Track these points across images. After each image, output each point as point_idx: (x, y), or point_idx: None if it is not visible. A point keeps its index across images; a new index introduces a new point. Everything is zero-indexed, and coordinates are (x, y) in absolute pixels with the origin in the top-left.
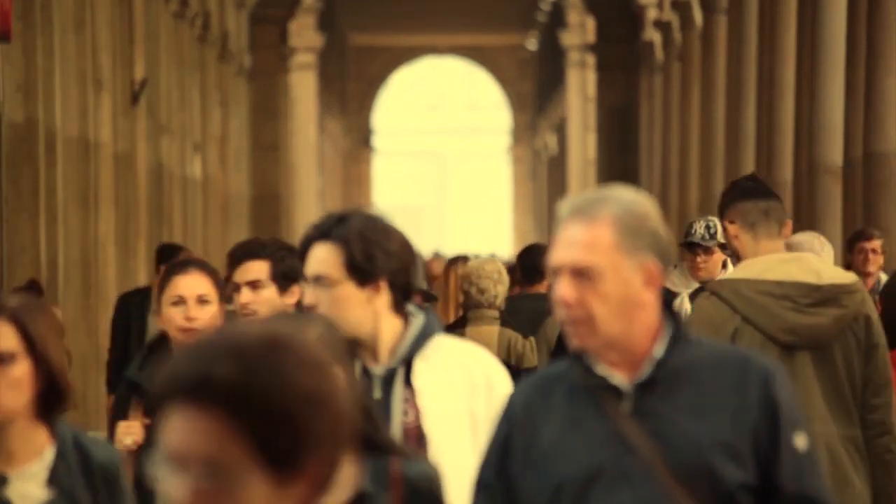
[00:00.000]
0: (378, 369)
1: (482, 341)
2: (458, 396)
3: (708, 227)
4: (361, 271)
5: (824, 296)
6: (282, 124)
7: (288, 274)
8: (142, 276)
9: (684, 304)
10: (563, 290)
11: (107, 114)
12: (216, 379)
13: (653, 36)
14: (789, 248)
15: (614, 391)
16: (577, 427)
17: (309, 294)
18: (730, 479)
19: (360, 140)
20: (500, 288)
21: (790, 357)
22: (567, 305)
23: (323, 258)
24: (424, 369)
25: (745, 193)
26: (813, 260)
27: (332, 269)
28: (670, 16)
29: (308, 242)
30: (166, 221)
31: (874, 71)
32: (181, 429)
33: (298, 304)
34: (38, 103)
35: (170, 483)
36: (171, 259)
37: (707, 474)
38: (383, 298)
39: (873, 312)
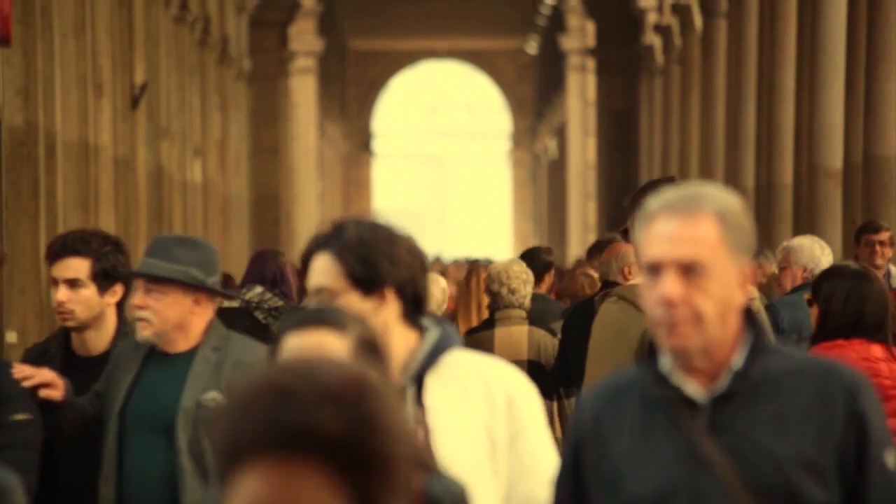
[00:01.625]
0: None
1: (512, 341)
2: (475, 416)
3: None
4: (364, 280)
5: None
6: (282, 128)
7: (109, 273)
8: None
9: None
10: (669, 287)
11: (107, 118)
12: (321, 430)
13: (653, 40)
14: (789, 251)
15: (689, 403)
16: (650, 442)
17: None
18: (813, 499)
19: (359, 144)
20: (528, 288)
21: None
22: (671, 304)
23: (323, 269)
24: (438, 387)
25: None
26: None
27: (333, 280)
28: (670, 20)
29: (308, 254)
30: (166, 225)
31: (874, 74)
32: (278, 486)
33: (120, 305)
34: (37, 107)
35: None
36: None
37: (788, 495)
38: (392, 309)
39: (765, 320)
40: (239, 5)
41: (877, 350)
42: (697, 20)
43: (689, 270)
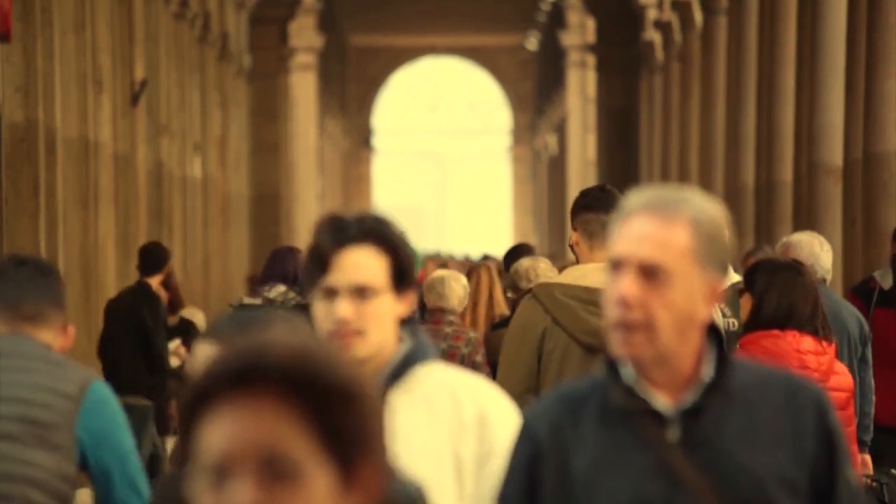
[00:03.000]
0: None
1: None
2: (439, 434)
3: None
4: (403, 280)
5: None
6: (282, 125)
7: None
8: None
9: None
10: (625, 286)
11: (107, 114)
12: (270, 360)
13: (653, 36)
14: (788, 247)
15: (656, 417)
16: (617, 457)
17: (344, 308)
18: None
19: (360, 140)
20: None
21: (592, 358)
22: (625, 305)
23: (363, 265)
24: (402, 403)
25: (589, 205)
26: None
27: (377, 277)
28: (670, 16)
29: (338, 245)
30: (166, 222)
31: (874, 72)
32: (232, 424)
33: None
34: (37, 104)
35: (219, 497)
36: (157, 260)
37: None
38: (402, 315)
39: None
40: (239, 2)
41: (808, 342)
42: (698, 17)
43: (650, 274)
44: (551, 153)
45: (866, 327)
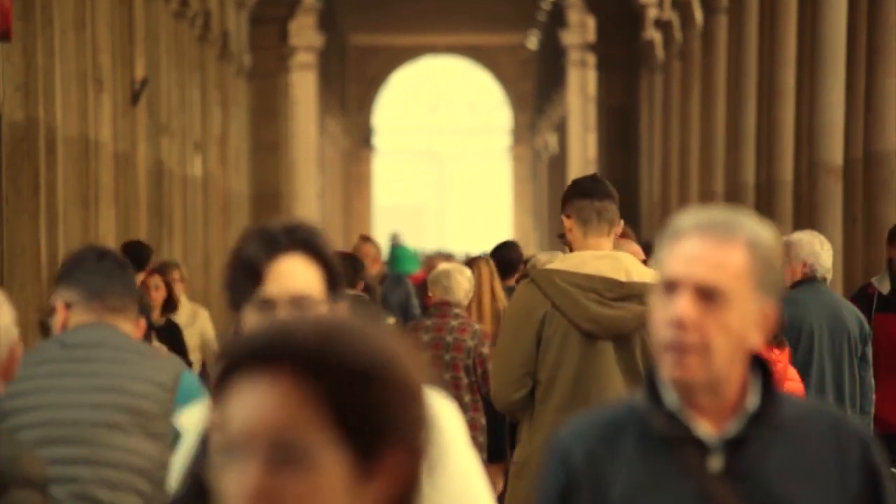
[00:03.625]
0: None
1: None
2: None
3: None
4: (336, 292)
5: (627, 292)
6: (282, 124)
7: None
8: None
9: None
10: (683, 307)
11: (107, 113)
12: (292, 339)
13: (653, 35)
14: (788, 246)
15: (699, 445)
16: (656, 486)
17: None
18: None
19: (360, 139)
20: None
21: (592, 344)
22: (682, 327)
23: (300, 273)
24: None
25: (584, 192)
26: (626, 259)
27: (314, 288)
28: (671, 15)
29: (270, 255)
30: (166, 221)
31: (874, 70)
32: (249, 401)
33: None
34: (38, 103)
35: (232, 475)
36: (139, 258)
37: None
38: None
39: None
40: (239, 1)
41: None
42: (698, 16)
43: (707, 296)
44: (551, 152)
45: (867, 326)
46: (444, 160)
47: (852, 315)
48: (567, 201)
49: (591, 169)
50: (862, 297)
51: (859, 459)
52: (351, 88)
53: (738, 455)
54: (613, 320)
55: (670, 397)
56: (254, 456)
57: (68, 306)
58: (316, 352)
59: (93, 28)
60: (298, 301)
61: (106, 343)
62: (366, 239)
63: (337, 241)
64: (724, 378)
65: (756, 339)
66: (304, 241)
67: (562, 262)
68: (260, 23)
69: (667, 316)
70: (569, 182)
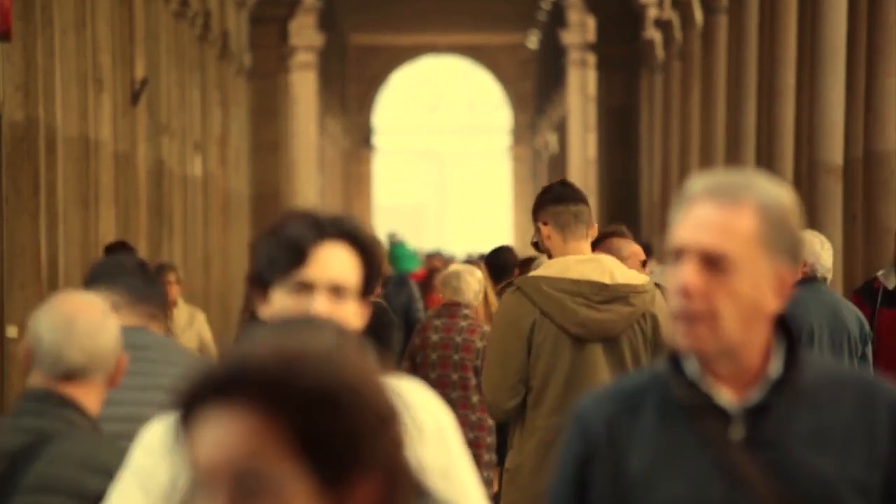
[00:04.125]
0: None
1: None
2: None
3: None
4: (368, 290)
5: (613, 294)
6: (282, 124)
7: None
8: None
9: None
10: (688, 276)
11: (107, 113)
12: (251, 370)
13: (653, 35)
14: None
15: (720, 413)
16: (676, 455)
17: (322, 304)
18: None
19: (360, 139)
20: None
21: (581, 347)
22: (688, 295)
23: (344, 262)
24: None
25: (558, 198)
26: (608, 262)
27: (352, 280)
28: (671, 15)
29: (318, 238)
30: (166, 221)
31: (874, 70)
32: (211, 436)
33: None
34: (38, 103)
35: None
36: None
37: None
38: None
39: (661, 311)
40: (239, 1)
41: None
42: (698, 15)
43: (713, 263)
44: (551, 152)
45: (866, 326)
46: (444, 160)
47: (852, 315)
48: (541, 209)
49: (591, 168)
50: (867, 291)
51: (889, 423)
52: (351, 88)
53: (760, 423)
54: (601, 323)
55: (691, 365)
56: (219, 490)
57: (115, 308)
58: (275, 381)
59: (93, 28)
60: (336, 289)
61: (153, 346)
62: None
63: None
64: (740, 345)
65: (773, 304)
66: (350, 231)
67: (546, 268)
68: (260, 22)
69: (674, 284)
70: (569, 180)
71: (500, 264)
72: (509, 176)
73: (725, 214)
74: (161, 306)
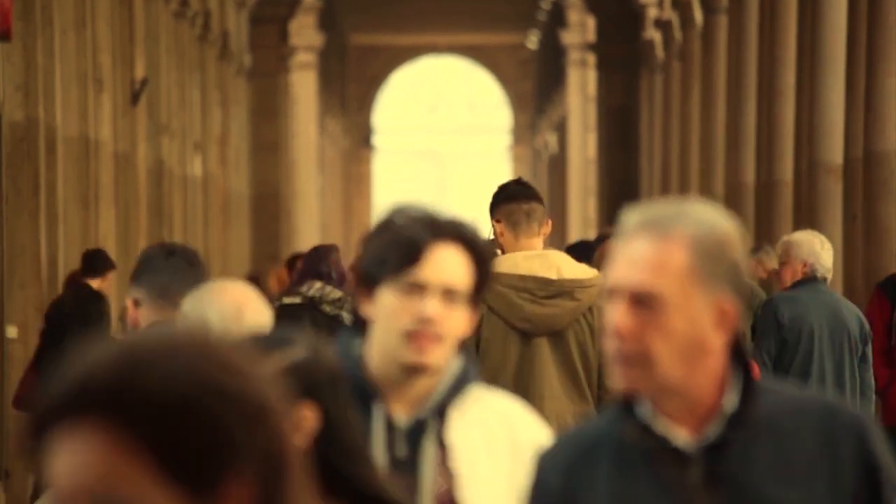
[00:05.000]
0: (403, 420)
1: None
2: (501, 461)
3: None
4: (478, 296)
5: (558, 289)
6: (282, 124)
7: None
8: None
9: None
10: (618, 317)
11: (107, 113)
12: (92, 385)
13: (653, 35)
14: (789, 246)
15: (677, 455)
16: (634, 503)
17: (434, 306)
18: None
19: (360, 139)
20: None
21: (528, 342)
22: (619, 337)
23: (459, 265)
24: (461, 425)
25: (511, 196)
26: (556, 257)
27: (465, 283)
28: (671, 15)
29: (434, 238)
30: (166, 221)
31: (874, 70)
32: (64, 460)
33: None
34: (38, 103)
35: None
36: (101, 266)
37: None
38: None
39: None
40: (239, 1)
41: None
42: (698, 16)
43: (643, 303)
44: (551, 152)
45: (867, 326)
46: (444, 160)
47: (852, 315)
48: (495, 207)
49: (591, 169)
50: (891, 284)
51: (854, 452)
52: (351, 88)
53: (719, 460)
54: (546, 317)
55: (644, 406)
56: None
57: (137, 304)
58: (120, 393)
59: (93, 28)
60: (448, 292)
61: None
62: None
63: (337, 241)
64: (682, 383)
65: (717, 338)
66: (466, 234)
67: (496, 265)
68: (260, 22)
69: (606, 326)
70: (569, 180)
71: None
72: (509, 176)
73: (656, 250)
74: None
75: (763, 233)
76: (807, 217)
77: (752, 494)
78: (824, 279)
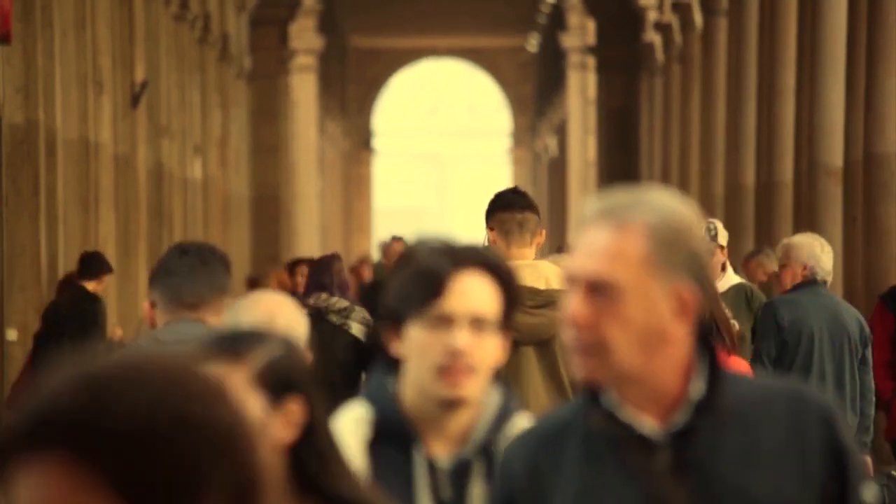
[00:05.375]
0: (445, 460)
1: None
2: None
3: (708, 230)
4: (509, 321)
5: (546, 299)
6: (282, 126)
7: None
8: (142, 277)
9: None
10: (574, 306)
11: (107, 115)
12: (56, 415)
13: (653, 38)
14: (788, 248)
15: (644, 442)
16: (601, 491)
17: (464, 338)
18: None
19: (360, 142)
20: None
21: (515, 351)
22: (576, 326)
23: (484, 293)
24: None
25: (506, 205)
26: (545, 268)
27: (493, 310)
28: (670, 17)
29: (455, 268)
30: (166, 223)
31: (874, 72)
32: (23, 494)
33: None
34: (38, 105)
35: None
36: (97, 269)
37: None
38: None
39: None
40: (239, 3)
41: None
42: (698, 18)
43: (599, 291)
44: (551, 155)
45: (867, 329)
46: (444, 162)
47: (852, 317)
48: (490, 214)
49: (591, 171)
50: (893, 296)
51: (821, 438)
52: (351, 90)
53: (687, 448)
54: (533, 327)
55: (609, 395)
56: None
57: (153, 305)
58: (83, 425)
59: (93, 30)
60: (476, 322)
61: (175, 340)
62: (398, 239)
63: (336, 244)
64: (643, 371)
65: (678, 326)
66: (487, 259)
67: None
68: (260, 25)
69: (564, 315)
70: (569, 183)
71: None
72: (509, 179)
73: (612, 238)
74: (205, 293)
75: (763, 235)
76: (807, 219)
77: (718, 481)
78: (824, 282)
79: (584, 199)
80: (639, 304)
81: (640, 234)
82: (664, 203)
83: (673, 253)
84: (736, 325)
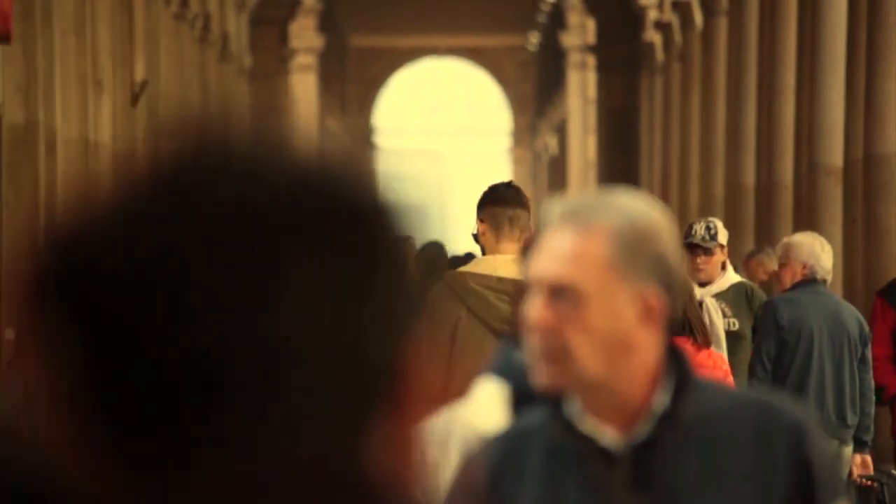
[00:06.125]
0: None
1: None
2: None
3: (708, 229)
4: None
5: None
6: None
7: None
8: None
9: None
10: (535, 311)
11: (107, 115)
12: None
13: (653, 37)
14: (788, 248)
15: (604, 454)
16: (560, 502)
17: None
18: None
19: (360, 141)
20: None
21: None
22: (538, 331)
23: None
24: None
25: (498, 200)
26: None
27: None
28: (671, 17)
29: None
30: None
31: (874, 72)
32: None
33: None
34: (38, 104)
35: None
36: None
37: None
38: None
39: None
40: (239, 3)
41: (687, 344)
42: (698, 17)
43: (561, 296)
44: (551, 154)
45: (866, 328)
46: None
47: (852, 317)
48: (482, 207)
49: (591, 170)
50: (892, 291)
51: (789, 453)
52: (351, 90)
53: (648, 462)
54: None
55: (572, 404)
56: None
57: None
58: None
59: (93, 30)
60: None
61: None
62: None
63: None
64: (606, 379)
65: (644, 333)
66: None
67: (475, 265)
68: (260, 24)
69: (525, 320)
70: (569, 182)
71: (429, 259)
72: (509, 178)
73: (576, 242)
74: None
75: (763, 234)
76: (807, 219)
77: (679, 497)
78: (824, 281)
79: (549, 202)
80: (602, 309)
81: (605, 238)
82: (630, 206)
83: (638, 257)
84: (735, 322)
